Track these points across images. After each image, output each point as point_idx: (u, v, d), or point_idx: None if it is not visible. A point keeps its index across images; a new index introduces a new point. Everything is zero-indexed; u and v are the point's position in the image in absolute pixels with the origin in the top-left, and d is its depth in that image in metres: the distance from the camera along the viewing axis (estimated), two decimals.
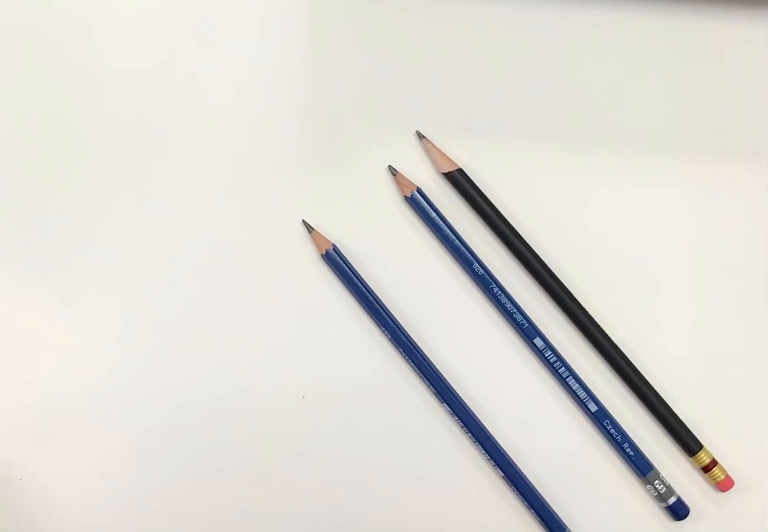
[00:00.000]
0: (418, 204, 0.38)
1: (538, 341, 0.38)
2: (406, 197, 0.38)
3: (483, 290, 0.38)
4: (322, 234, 0.38)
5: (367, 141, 0.39)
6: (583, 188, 0.39)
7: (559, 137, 0.39)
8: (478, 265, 0.38)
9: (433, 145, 0.38)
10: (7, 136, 0.38)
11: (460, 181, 0.38)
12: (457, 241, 0.38)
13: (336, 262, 0.38)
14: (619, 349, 0.38)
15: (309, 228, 0.38)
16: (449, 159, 0.38)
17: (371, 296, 0.38)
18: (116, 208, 0.38)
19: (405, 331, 0.38)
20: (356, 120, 0.39)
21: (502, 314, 0.38)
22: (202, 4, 0.39)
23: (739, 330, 0.39)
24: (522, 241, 0.38)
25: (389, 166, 0.38)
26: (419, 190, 0.38)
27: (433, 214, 0.38)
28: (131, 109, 0.38)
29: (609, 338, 0.38)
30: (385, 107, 0.39)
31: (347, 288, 0.38)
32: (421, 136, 0.39)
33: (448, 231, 0.38)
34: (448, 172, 0.38)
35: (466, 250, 0.38)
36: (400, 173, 0.38)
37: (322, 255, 0.38)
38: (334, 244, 0.38)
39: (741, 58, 0.40)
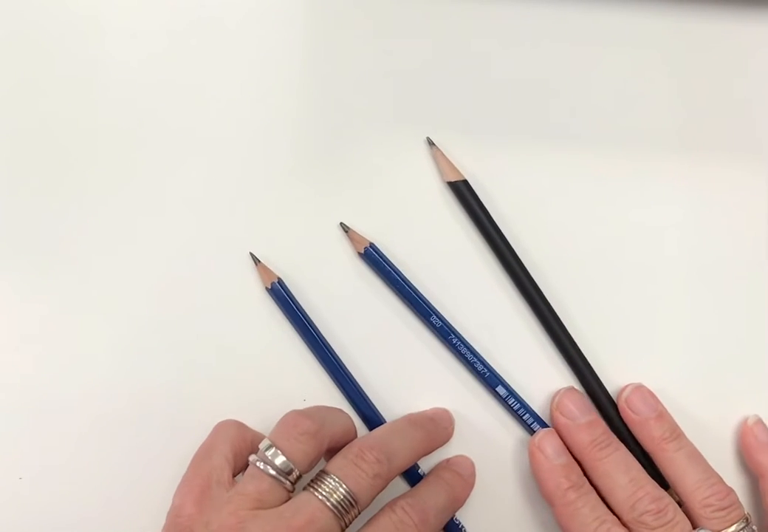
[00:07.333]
0: (373, 260, 0.37)
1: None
2: (359, 254, 0.37)
3: (439, 338, 0.37)
4: (269, 267, 0.38)
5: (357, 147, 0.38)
6: (586, 197, 0.38)
7: (562, 142, 0.39)
8: (436, 317, 0.37)
9: (441, 153, 0.37)
10: (8, 137, 0.38)
11: (462, 191, 0.37)
12: (413, 294, 0.37)
13: (280, 295, 0.37)
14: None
15: (255, 260, 0.38)
16: (456, 169, 0.37)
17: (313, 330, 0.37)
18: (112, 210, 0.38)
19: (345, 368, 0.37)
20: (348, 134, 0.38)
21: (461, 363, 0.38)
22: (202, 3, 0.38)
23: (742, 338, 0.38)
24: (515, 257, 0.37)
25: (341, 224, 0.37)
26: (372, 246, 0.37)
27: (388, 268, 0.37)
28: (130, 111, 0.38)
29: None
30: (388, 112, 0.38)
31: (290, 321, 0.37)
32: (431, 143, 0.37)
33: (403, 284, 0.37)
34: (453, 182, 0.37)
35: (421, 302, 0.37)
36: (352, 230, 0.37)
37: (267, 288, 0.38)
38: (279, 277, 0.37)
39: (744, 60, 0.39)
